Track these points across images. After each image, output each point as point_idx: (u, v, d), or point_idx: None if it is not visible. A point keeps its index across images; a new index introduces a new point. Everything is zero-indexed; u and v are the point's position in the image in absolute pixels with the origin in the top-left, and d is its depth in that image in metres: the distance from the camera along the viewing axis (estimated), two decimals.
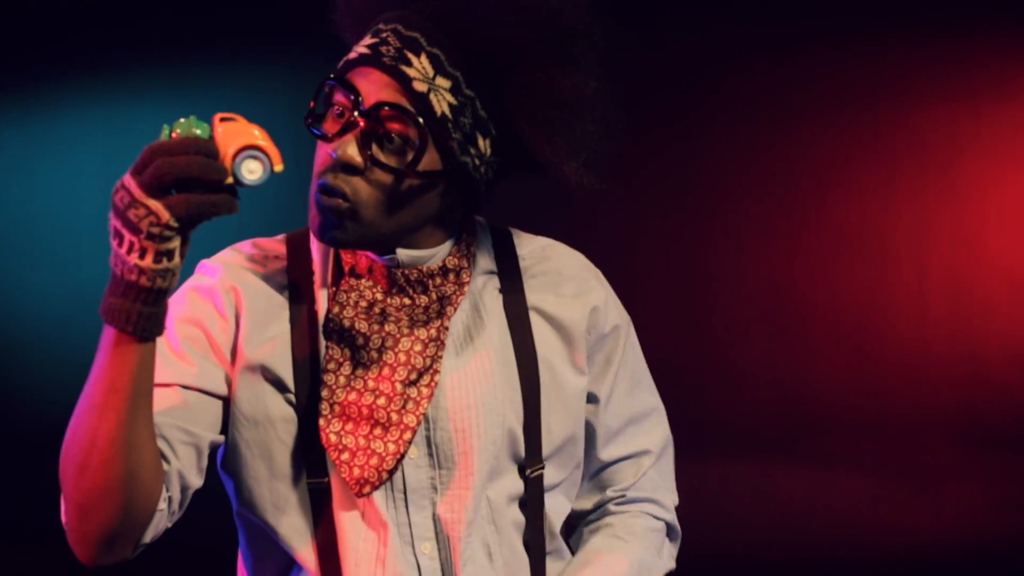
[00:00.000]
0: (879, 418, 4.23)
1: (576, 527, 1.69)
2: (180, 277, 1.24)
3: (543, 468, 1.52)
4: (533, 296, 1.54)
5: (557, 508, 1.57)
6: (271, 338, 1.46)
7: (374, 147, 1.37)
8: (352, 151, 1.36)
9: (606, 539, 1.61)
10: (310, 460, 1.45)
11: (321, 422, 1.42)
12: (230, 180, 1.19)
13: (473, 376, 1.48)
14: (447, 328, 1.46)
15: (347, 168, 1.37)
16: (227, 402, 1.47)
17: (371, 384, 1.43)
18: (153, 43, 4.52)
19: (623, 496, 1.65)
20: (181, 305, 1.47)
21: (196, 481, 1.43)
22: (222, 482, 1.54)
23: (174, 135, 1.19)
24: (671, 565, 1.66)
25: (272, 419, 1.45)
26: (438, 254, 1.48)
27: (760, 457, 4.28)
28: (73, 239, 4.58)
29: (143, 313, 1.21)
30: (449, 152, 1.40)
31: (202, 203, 1.17)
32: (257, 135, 1.21)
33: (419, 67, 1.37)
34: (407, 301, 1.46)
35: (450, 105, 1.38)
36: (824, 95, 4.26)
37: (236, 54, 4.50)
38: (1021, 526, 4.02)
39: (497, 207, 1.60)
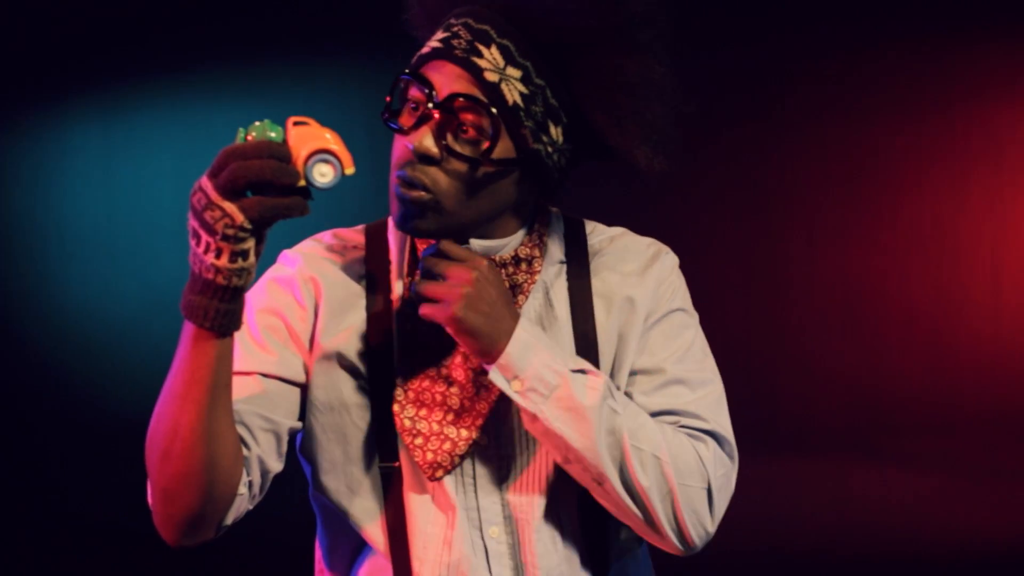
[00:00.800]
0: (954, 417, 4.18)
1: None
2: (263, 264, 1.27)
3: None
4: (596, 279, 1.54)
5: None
6: (347, 326, 1.50)
7: (449, 138, 1.40)
8: (428, 142, 1.39)
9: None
10: (382, 444, 1.48)
11: (395, 407, 1.45)
12: (302, 183, 1.22)
13: None
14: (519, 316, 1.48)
15: (425, 159, 1.40)
16: (305, 389, 1.50)
17: (444, 372, 1.46)
18: (230, 46, 4.59)
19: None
20: (262, 295, 1.51)
21: (276, 466, 1.47)
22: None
23: (249, 138, 1.22)
24: (718, 471, 1.50)
25: (347, 405, 1.49)
26: (510, 243, 1.50)
27: (834, 455, 4.26)
28: (152, 239, 4.66)
29: (220, 310, 1.24)
30: (522, 140, 1.42)
31: (275, 206, 1.20)
32: (329, 139, 1.23)
33: (490, 58, 1.39)
34: None
35: (521, 94, 1.40)
36: (899, 96, 4.23)
37: (311, 56, 4.56)
38: None
39: (575, 212, 1.62)
